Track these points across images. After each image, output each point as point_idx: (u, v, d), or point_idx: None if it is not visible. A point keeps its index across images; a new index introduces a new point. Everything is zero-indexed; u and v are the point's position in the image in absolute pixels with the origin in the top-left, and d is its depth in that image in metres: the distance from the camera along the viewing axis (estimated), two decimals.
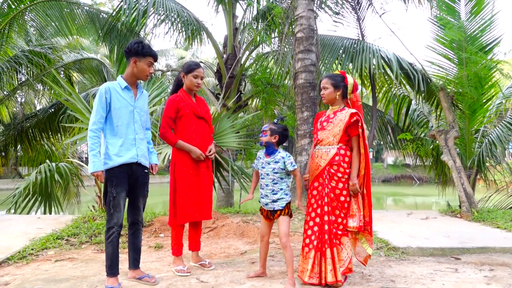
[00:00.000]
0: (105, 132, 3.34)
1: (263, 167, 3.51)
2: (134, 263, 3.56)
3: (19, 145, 10.44)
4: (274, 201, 3.45)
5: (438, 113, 8.64)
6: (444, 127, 8.63)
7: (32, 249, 4.41)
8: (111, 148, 3.31)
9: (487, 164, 9.00)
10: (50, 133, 10.18)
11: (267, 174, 3.48)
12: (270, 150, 3.51)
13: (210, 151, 3.88)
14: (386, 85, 9.62)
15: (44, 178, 6.89)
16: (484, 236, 4.97)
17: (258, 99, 10.86)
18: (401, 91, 9.80)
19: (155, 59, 3.46)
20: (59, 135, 10.38)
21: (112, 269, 3.31)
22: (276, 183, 3.46)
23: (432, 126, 9.74)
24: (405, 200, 24.10)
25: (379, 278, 3.60)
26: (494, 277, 3.61)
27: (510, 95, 9.15)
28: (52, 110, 10.01)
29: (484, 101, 8.17)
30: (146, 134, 3.62)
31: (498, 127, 9.17)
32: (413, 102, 10.04)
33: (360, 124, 3.43)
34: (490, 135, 8.99)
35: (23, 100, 20.35)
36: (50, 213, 7.31)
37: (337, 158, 3.45)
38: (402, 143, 10.24)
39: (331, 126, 3.52)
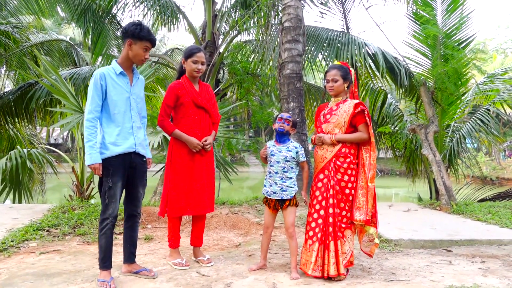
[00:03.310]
0: (101, 120, 3.16)
1: (272, 155, 3.46)
2: (130, 257, 3.41)
3: None
4: (283, 189, 3.42)
5: (417, 107, 8.82)
6: (418, 121, 8.86)
7: (12, 241, 4.13)
8: (107, 137, 3.13)
9: (457, 158, 9.34)
10: (16, 117, 9.59)
11: (278, 162, 3.44)
12: (283, 138, 3.50)
13: (206, 141, 3.63)
14: (363, 78, 9.73)
15: (15, 165, 6.51)
16: (468, 229, 5.12)
17: (235, 89, 10.71)
18: (377, 85, 9.95)
19: (153, 44, 3.25)
20: (25, 120, 9.79)
21: (105, 262, 3.16)
22: (286, 171, 3.44)
23: (406, 120, 9.97)
24: None
25: (379, 270, 3.62)
26: (488, 269, 3.71)
27: (483, 91, 9.46)
28: (19, 93, 9.42)
29: (458, 96, 8.43)
30: (142, 122, 3.44)
31: (468, 122, 9.51)
32: (389, 96, 10.23)
33: (366, 113, 3.41)
34: (461, 131, 9.31)
35: None
36: (20, 201, 6.93)
37: (343, 150, 3.43)
38: (378, 137, 10.43)
39: (335, 118, 3.49)
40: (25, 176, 6.88)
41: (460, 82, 7.62)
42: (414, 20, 8.34)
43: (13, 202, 6.83)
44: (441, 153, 8.45)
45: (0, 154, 9.51)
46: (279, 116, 3.53)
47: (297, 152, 3.45)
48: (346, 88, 3.53)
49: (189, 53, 3.63)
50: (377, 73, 8.17)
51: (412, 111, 10.05)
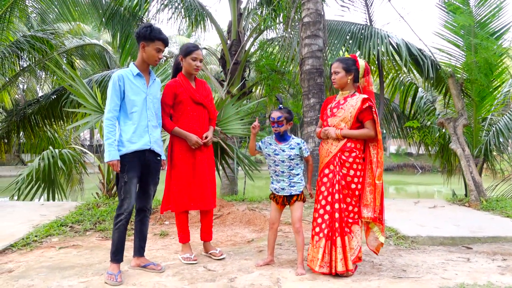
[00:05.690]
0: (118, 119, 3.32)
1: (276, 154, 3.45)
2: (140, 250, 3.50)
3: (21, 132, 10.36)
4: (291, 185, 3.43)
5: (447, 100, 8.50)
6: (451, 114, 8.52)
7: (36, 236, 4.35)
8: (124, 135, 3.29)
9: (494, 153, 8.90)
10: (52, 119, 10.09)
11: (282, 161, 3.43)
12: (283, 136, 3.48)
13: (206, 137, 3.69)
14: (392, 72, 9.48)
15: (47, 165, 6.82)
16: (494, 225, 4.88)
17: (262, 86, 10.72)
18: (408, 78, 9.66)
19: (165, 44, 3.36)
20: (61, 121, 10.28)
21: (116, 256, 3.26)
22: (292, 169, 3.44)
23: (439, 114, 9.62)
24: (407, 189, 24.02)
25: (390, 267, 3.53)
26: (507, 267, 3.53)
27: None
28: (55, 96, 9.90)
29: (491, 89, 8.04)
30: (159, 122, 3.55)
31: (506, 115, 9.04)
32: (420, 89, 9.91)
33: (374, 110, 3.33)
34: (498, 124, 8.86)
35: (25, 86, 20.28)
36: (54, 199, 7.26)
37: (349, 144, 3.36)
38: (407, 131, 10.13)
39: (342, 112, 3.42)
40: (57, 175, 7.20)
41: (491, 73, 7.27)
42: (444, 9, 8.06)
43: (47, 200, 7.16)
44: (476, 147, 8.10)
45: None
46: (271, 118, 3.45)
47: (300, 148, 3.44)
48: (349, 80, 3.45)
49: (187, 51, 3.66)
50: (402, 65, 7.93)
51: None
